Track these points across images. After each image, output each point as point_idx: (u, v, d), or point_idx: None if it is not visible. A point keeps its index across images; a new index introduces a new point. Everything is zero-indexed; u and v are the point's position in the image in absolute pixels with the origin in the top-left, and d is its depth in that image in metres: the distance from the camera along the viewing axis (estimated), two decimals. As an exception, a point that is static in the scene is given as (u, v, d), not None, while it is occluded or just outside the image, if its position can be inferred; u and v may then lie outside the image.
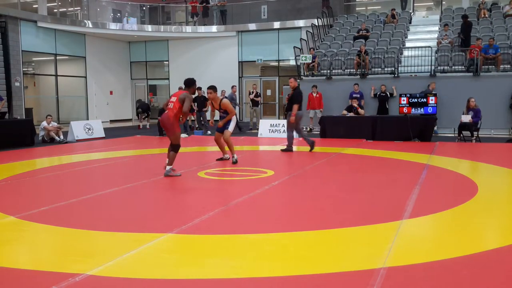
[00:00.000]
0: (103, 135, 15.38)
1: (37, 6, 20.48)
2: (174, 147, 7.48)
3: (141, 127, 19.15)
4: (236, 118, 9.34)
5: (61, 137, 13.95)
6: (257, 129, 15.96)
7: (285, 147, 10.87)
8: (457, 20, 18.54)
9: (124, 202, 5.91)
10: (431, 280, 3.34)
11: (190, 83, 7.62)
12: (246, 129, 17.45)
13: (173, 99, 7.52)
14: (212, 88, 8.62)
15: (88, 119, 20.76)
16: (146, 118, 19.51)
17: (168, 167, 7.46)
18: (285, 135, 14.50)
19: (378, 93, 15.72)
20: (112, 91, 24.23)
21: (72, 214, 5.35)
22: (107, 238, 4.38)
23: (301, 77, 17.71)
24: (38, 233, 4.61)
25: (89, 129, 15.10)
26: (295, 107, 10.35)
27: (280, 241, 4.26)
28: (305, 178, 7.66)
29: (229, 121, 8.83)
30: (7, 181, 7.36)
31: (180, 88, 16.66)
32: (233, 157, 8.83)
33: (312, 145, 10.71)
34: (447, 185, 6.96)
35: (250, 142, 13.50)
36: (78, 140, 14.21)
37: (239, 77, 23.29)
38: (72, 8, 23.08)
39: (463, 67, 15.83)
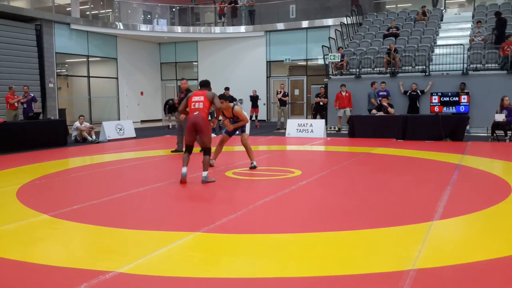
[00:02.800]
0: (134, 135, 15.63)
1: (70, 9, 20.97)
2: (207, 151, 7.07)
3: (170, 127, 19.40)
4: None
5: (93, 137, 14.24)
6: (285, 128, 15.94)
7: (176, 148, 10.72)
8: (491, 17, 18.07)
9: (153, 201, 6.00)
10: (462, 283, 3.28)
11: (206, 84, 7.39)
12: (274, 128, 17.45)
13: (199, 98, 7.03)
14: (223, 98, 8.09)
15: (119, 120, 21.15)
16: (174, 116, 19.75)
17: (204, 173, 7.01)
18: (312, 135, 14.47)
19: (409, 91, 15.47)
20: (143, 92, 24.60)
21: (103, 212, 5.46)
22: (136, 236, 4.45)
23: (330, 76, 17.60)
24: (70, 231, 4.72)
25: (121, 129, 15.37)
26: None
27: (307, 241, 4.25)
28: (333, 178, 7.61)
29: (244, 125, 8.43)
30: (40, 180, 7.56)
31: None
32: (251, 163, 8.29)
33: (178, 150, 10.60)
34: (479, 186, 6.80)
35: (277, 142, 13.49)
36: (109, 140, 14.48)
37: (267, 77, 23.30)
38: (104, 10, 23.55)
39: (496, 65, 15.43)
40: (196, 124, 6.92)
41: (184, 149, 7.33)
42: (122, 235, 4.51)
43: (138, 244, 4.22)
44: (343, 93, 16.06)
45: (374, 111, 14.42)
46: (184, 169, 7.08)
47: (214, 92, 7.35)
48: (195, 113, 6.97)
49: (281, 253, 3.93)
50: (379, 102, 14.73)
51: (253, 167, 8.20)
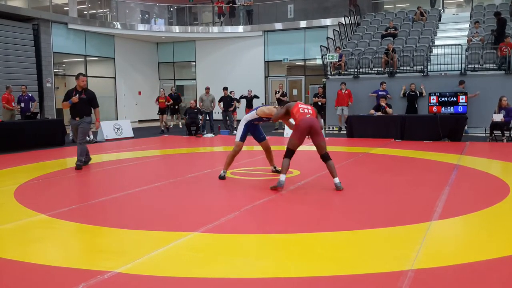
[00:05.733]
0: (132, 135, 15.61)
1: (67, 8, 20.93)
2: (328, 155, 6.54)
3: (171, 126, 19.44)
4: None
5: (91, 136, 14.21)
6: (283, 128, 15.93)
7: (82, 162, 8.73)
8: (488, 17, 18.12)
9: (151, 201, 5.98)
10: (460, 283, 3.28)
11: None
12: (272, 128, 17.44)
13: (307, 106, 6.83)
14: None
15: (117, 119, 21.10)
16: (176, 116, 19.86)
17: (337, 180, 6.48)
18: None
19: (408, 92, 15.48)
20: (141, 92, 24.57)
21: (101, 212, 5.45)
22: (135, 236, 4.44)
23: (328, 76, 17.60)
24: (68, 231, 4.70)
25: (118, 129, 15.35)
26: (97, 111, 8.93)
27: (306, 241, 4.24)
28: (331, 178, 7.59)
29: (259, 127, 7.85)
30: (38, 179, 7.54)
31: (207, 88, 16.87)
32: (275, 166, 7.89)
33: (84, 162, 8.78)
34: (478, 186, 6.81)
35: (276, 142, 13.48)
36: (107, 140, 14.45)
37: (265, 77, 23.30)
38: (101, 10, 23.50)
39: (494, 65, 15.46)
40: (312, 127, 6.50)
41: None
42: (120, 235, 4.50)
43: (136, 244, 4.21)
44: (343, 91, 16.08)
45: (372, 111, 14.42)
46: (283, 177, 6.48)
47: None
48: (307, 116, 6.59)
49: (280, 253, 3.92)
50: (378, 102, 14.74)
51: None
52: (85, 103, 8.71)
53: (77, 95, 8.59)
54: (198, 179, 7.45)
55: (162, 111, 17.92)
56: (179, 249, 4.02)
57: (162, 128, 17.68)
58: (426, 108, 14.33)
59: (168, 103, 18.42)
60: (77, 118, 8.67)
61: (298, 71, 23.35)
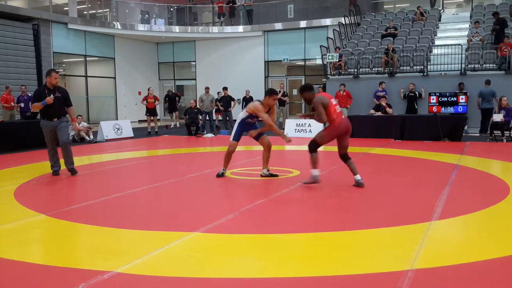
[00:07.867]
0: (132, 135, 15.61)
1: (67, 8, 20.94)
2: (348, 156, 6.65)
3: (172, 126, 19.46)
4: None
5: (91, 136, 14.22)
6: (283, 128, 15.92)
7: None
8: (488, 17, 18.12)
9: (151, 201, 5.98)
10: (460, 283, 3.27)
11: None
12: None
13: (336, 102, 6.72)
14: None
15: (117, 119, 21.12)
16: (175, 116, 19.91)
17: (358, 176, 6.58)
18: (311, 135, 14.44)
19: (407, 92, 15.48)
20: (141, 92, 24.56)
21: (101, 212, 5.44)
22: (135, 236, 4.43)
23: (328, 76, 17.60)
24: (68, 231, 4.70)
25: (118, 129, 15.35)
26: (71, 110, 8.26)
27: (306, 241, 4.24)
28: (331, 178, 7.60)
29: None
30: (38, 180, 7.54)
31: (207, 88, 16.86)
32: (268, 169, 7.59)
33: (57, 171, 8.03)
34: (478, 186, 6.80)
35: (276, 142, 13.47)
36: (107, 140, 14.45)
37: (265, 77, 23.30)
38: (101, 10, 23.52)
39: (494, 65, 15.47)
40: (348, 130, 6.57)
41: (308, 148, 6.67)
42: (120, 235, 4.49)
43: (136, 244, 4.21)
44: (341, 92, 16.08)
45: (372, 111, 14.42)
46: (317, 172, 6.65)
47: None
48: (343, 117, 6.58)
49: (280, 253, 3.92)
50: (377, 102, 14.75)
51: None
52: (60, 102, 7.95)
53: (51, 94, 7.77)
54: (198, 179, 7.45)
55: (151, 112, 16.61)
56: (179, 249, 4.01)
57: (149, 130, 16.63)
58: (426, 108, 14.33)
59: (157, 103, 17.14)
60: (55, 119, 7.88)
61: (298, 71, 23.35)
